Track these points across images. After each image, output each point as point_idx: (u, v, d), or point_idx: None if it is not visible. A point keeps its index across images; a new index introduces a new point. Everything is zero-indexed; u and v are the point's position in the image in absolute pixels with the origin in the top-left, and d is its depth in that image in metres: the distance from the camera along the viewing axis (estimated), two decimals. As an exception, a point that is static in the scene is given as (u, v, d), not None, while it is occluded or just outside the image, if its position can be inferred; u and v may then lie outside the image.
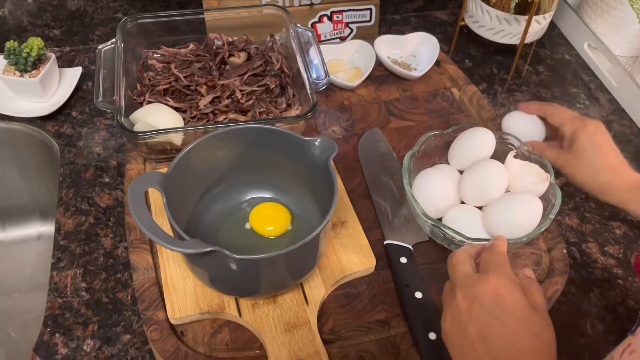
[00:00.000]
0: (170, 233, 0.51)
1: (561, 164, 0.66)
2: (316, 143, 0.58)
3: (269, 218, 0.63)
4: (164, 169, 0.55)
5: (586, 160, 0.63)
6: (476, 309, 0.44)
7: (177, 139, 0.69)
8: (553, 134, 0.71)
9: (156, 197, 0.67)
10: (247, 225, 0.63)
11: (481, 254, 0.50)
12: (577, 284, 0.66)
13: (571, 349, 0.60)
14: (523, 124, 0.71)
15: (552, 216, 0.60)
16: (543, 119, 0.71)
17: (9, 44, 0.77)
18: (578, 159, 0.64)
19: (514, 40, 0.91)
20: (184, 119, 0.73)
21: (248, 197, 0.66)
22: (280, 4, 0.89)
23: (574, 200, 0.75)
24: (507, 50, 0.96)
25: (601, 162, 0.63)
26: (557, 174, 0.77)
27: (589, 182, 0.64)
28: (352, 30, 0.95)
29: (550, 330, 0.44)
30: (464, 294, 0.45)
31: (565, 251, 0.66)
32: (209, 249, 0.47)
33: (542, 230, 0.60)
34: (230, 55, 0.81)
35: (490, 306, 0.43)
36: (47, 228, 0.95)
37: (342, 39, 0.95)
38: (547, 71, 0.96)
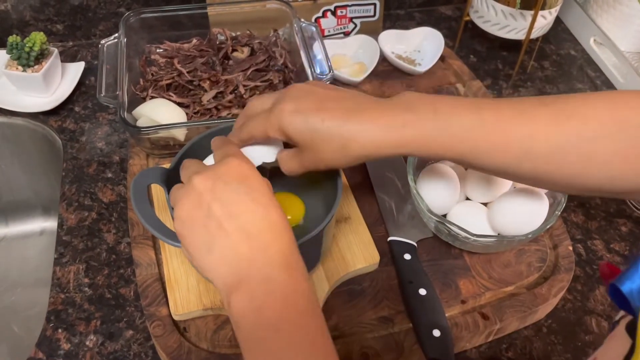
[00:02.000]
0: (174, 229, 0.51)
1: (309, 166, 0.50)
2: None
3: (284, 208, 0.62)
4: (166, 165, 0.55)
5: (317, 146, 0.47)
6: (220, 188, 0.41)
7: (180, 134, 0.68)
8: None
9: (159, 193, 0.66)
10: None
11: (215, 149, 0.48)
12: (582, 281, 0.65)
13: (576, 346, 0.60)
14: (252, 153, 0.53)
15: (558, 213, 0.60)
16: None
17: (11, 39, 0.77)
18: (311, 148, 0.48)
19: (520, 35, 0.90)
20: (187, 114, 0.73)
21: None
22: (284, -2, 0.89)
23: (579, 197, 0.75)
24: (513, 45, 0.95)
25: (325, 135, 0.47)
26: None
27: (342, 162, 0.48)
28: (356, 26, 0.94)
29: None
30: (203, 177, 0.42)
31: (570, 248, 0.65)
32: (211, 244, 0.47)
33: (548, 227, 0.59)
34: (234, 50, 0.81)
35: (236, 185, 0.41)
36: (49, 223, 0.94)
37: (346, 34, 0.95)
38: (553, 67, 0.95)
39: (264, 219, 0.41)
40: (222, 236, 0.40)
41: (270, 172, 0.59)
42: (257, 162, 0.52)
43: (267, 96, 0.52)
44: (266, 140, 0.51)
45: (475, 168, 0.49)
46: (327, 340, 0.39)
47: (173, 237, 0.47)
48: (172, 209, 0.51)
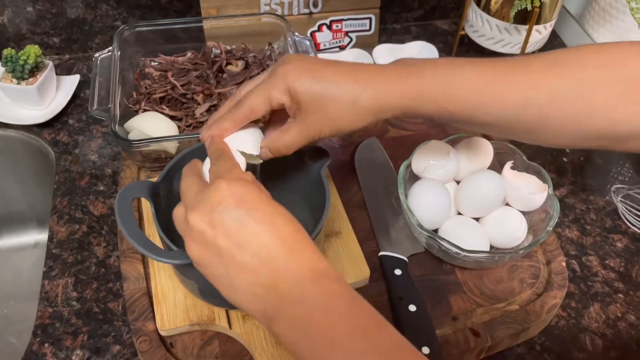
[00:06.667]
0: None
1: (312, 133, 0.49)
2: (309, 152, 0.58)
3: None
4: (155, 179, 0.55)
5: (326, 104, 0.47)
6: (218, 219, 0.38)
7: (171, 147, 0.68)
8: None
9: (149, 206, 0.66)
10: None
11: (212, 168, 0.44)
12: (576, 297, 0.65)
13: (570, 364, 0.59)
14: (236, 141, 0.50)
15: (550, 228, 0.59)
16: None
17: (6, 52, 0.77)
18: (319, 108, 0.47)
19: (515, 49, 0.90)
20: (179, 127, 0.73)
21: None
22: (279, 12, 0.89)
23: (574, 212, 0.74)
24: (508, 59, 0.95)
25: (336, 89, 0.47)
26: (557, 185, 0.76)
27: (350, 120, 0.48)
28: (351, 39, 0.95)
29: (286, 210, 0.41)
30: (199, 213, 0.39)
31: (564, 264, 0.64)
32: (195, 259, 0.46)
33: (541, 242, 0.59)
34: (228, 63, 0.81)
35: (234, 211, 0.38)
36: (43, 236, 0.94)
37: (342, 48, 0.95)
38: (549, 81, 0.95)
39: (273, 238, 0.38)
40: (239, 270, 0.38)
41: (263, 176, 0.58)
42: (242, 161, 0.50)
43: (259, 76, 0.51)
44: (244, 126, 0.50)
45: (480, 124, 0.48)
46: (386, 328, 0.37)
47: (155, 251, 0.46)
48: (159, 225, 0.51)
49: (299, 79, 0.47)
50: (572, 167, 0.80)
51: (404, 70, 0.47)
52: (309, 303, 0.37)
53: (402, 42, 0.94)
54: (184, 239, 0.41)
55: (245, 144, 0.50)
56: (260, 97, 0.48)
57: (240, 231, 0.38)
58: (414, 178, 0.65)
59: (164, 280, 0.59)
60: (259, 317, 0.39)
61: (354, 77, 0.47)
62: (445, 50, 0.98)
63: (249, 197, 0.39)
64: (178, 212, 0.42)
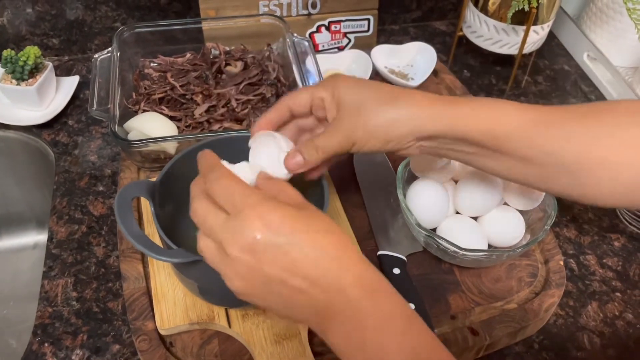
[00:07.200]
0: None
1: (345, 137, 0.49)
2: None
3: None
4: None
5: (365, 111, 0.48)
6: (260, 250, 0.38)
7: (170, 147, 0.68)
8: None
9: (149, 206, 0.66)
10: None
11: (215, 194, 0.41)
12: (574, 296, 0.65)
13: (568, 363, 0.59)
14: (266, 149, 0.49)
15: (547, 227, 0.59)
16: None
17: (6, 53, 0.77)
18: (357, 112, 0.48)
19: (513, 50, 0.90)
20: (178, 127, 0.73)
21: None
22: (278, 13, 0.90)
23: (572, 211, 0.74)
24: (506, 60, 0.96)
25: (378, 100, 0.48)
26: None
27: (386, 135, 0.48)
28: (350, 41, 0.95)
29: (323, 215, 0.41)
30: (238, 245, 0.38)
31: (562, 263, 0.65)
32: (194, 258, 0.46)
33: (538, 240, 0.59)
34: (227, 64, 0.81)
35: (273, 239, 0.38)
36: (43, 237, 0.94)
37: (341, 49, 0.95)
38: (547, 82, 0.95)
39: (320, 258, 0.38)
40: (291, 293, 0.38)
41: None
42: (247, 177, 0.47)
43: None
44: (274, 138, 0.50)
45: (520, 157, 0.47)
46: (440, 350, 0.38)
47: (155, 249, 0.47)
48: (159, 224, 0.51)
49: (346, 83, 0.50)
50: (570, 167, 0.80)
51: (449, 100, 0.49)
52: (362, 321, 0.37)
53: (400, 43, 0.94)
54: (220, 272, 0.40)
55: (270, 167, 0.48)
56: (304, 91, 0.51)
57: (285, 257, 0.38)
58: (412, 177, 0.66)
59: (164, 280, 0.59)
60: (314, 328, 0.40)
61: (399, 98, 0.48)
62: (444, 51, 0.98)
63: (283, 221, 0.38)
64: (206, 244, 0.41)
